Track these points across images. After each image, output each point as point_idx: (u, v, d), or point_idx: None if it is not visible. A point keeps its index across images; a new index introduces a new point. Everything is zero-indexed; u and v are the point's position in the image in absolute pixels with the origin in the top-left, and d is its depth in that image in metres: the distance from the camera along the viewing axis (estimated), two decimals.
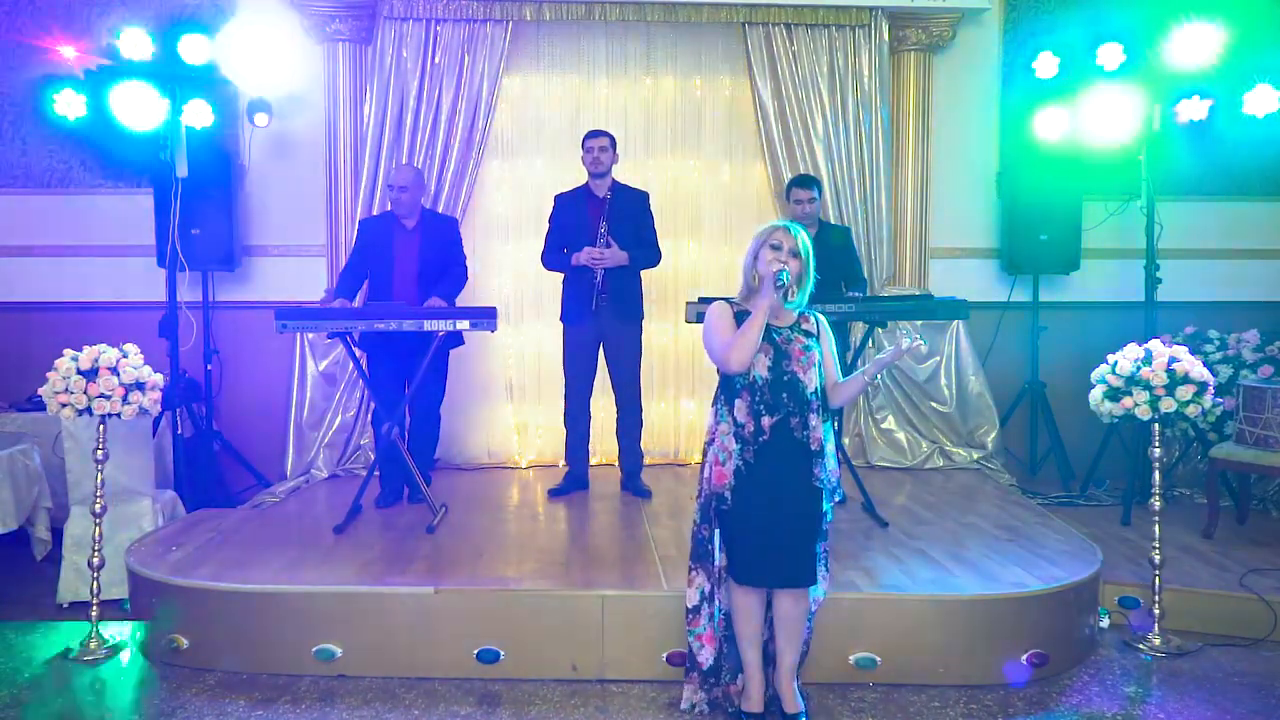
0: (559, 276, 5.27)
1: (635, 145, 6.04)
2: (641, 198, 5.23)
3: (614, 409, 5.30)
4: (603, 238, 5.01)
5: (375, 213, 5.67)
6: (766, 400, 3.12)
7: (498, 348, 6.05)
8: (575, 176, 5.38)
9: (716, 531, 3.21)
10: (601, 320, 5.08)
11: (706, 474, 3.21)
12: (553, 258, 5.20)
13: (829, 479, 3.17)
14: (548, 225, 5.25)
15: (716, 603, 3.27)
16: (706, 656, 3.27)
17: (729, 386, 3.19)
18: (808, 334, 3.21)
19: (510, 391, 6.14)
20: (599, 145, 5.07)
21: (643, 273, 5.27)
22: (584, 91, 6.10)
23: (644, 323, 5.28)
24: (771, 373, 3.12)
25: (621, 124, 5.95)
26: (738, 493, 3.13)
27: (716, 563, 3.23)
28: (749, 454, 3.12)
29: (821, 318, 3.30)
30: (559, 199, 5.27)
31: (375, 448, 5.21)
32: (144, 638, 3.92)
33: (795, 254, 3.15)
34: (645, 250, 5.15)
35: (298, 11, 5.87)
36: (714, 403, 3.26)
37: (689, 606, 3.28)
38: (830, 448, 3.20)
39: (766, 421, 3.11)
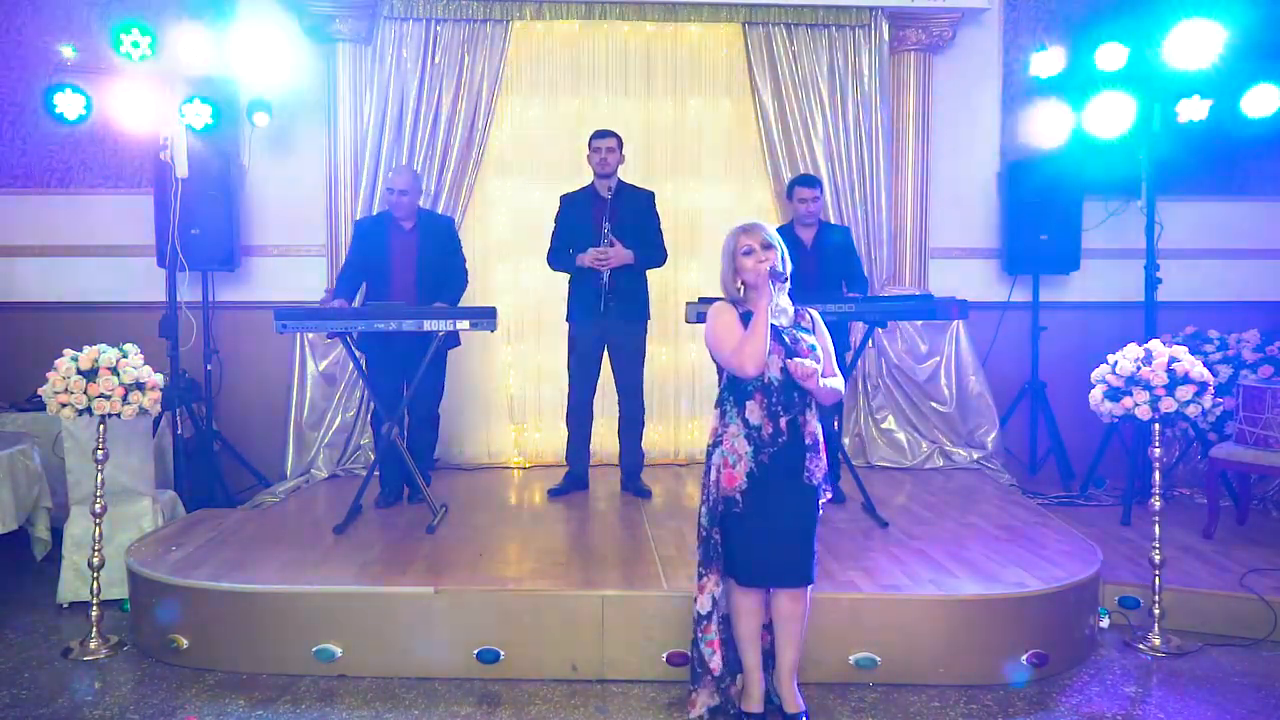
0: (560, 290, 5.27)
1: (635, 140, 6.04)
2: (646, 197, 5.23)
3: (615, 409, 5.30)
4: (606, 237, 5.00)
5: (375, 213, 5.67)
6: (782, 400, 3.12)
7: (497, 341, 6.05)
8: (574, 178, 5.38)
9: (723, 535, 3.19)
10: (608, 320, 5.08)
11: (714, 477, 3.18)
12: (558, 258, 5.19)
13: (815, 473, 3.15)
14: (554, 226, 5.25)
15: (720, 607, 3.26)
16: (718, 663, 3.26)
17: (738, 388, 3.17)
18: (807, 331, 3.21)
19: (511, 413, 6.15)
20: (606, 145, 5.07)
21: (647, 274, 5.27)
22: (584, 90, 6.10)
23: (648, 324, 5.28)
24: (785, 373, 3.11)
25: (622, 123, 5.95)
26: (750, 495, 3.12)
27: (723, 566, 3.22)
28: (764, 455, 3.11)
29: (815, 313, 3.30)
30: (564, 199, 5.27)
31: (375, 448, 5.21)
32: (144, 638, 3.91)
33: (768, 245, 3.15)
34: (650, 250, 5.15)
35: (297, 11, 5.87)
36: (719, 404, 3.24)
37: (701, 613, 3.25)
38: (823, 441, 3.20)
39: (784, 421, 3.11)
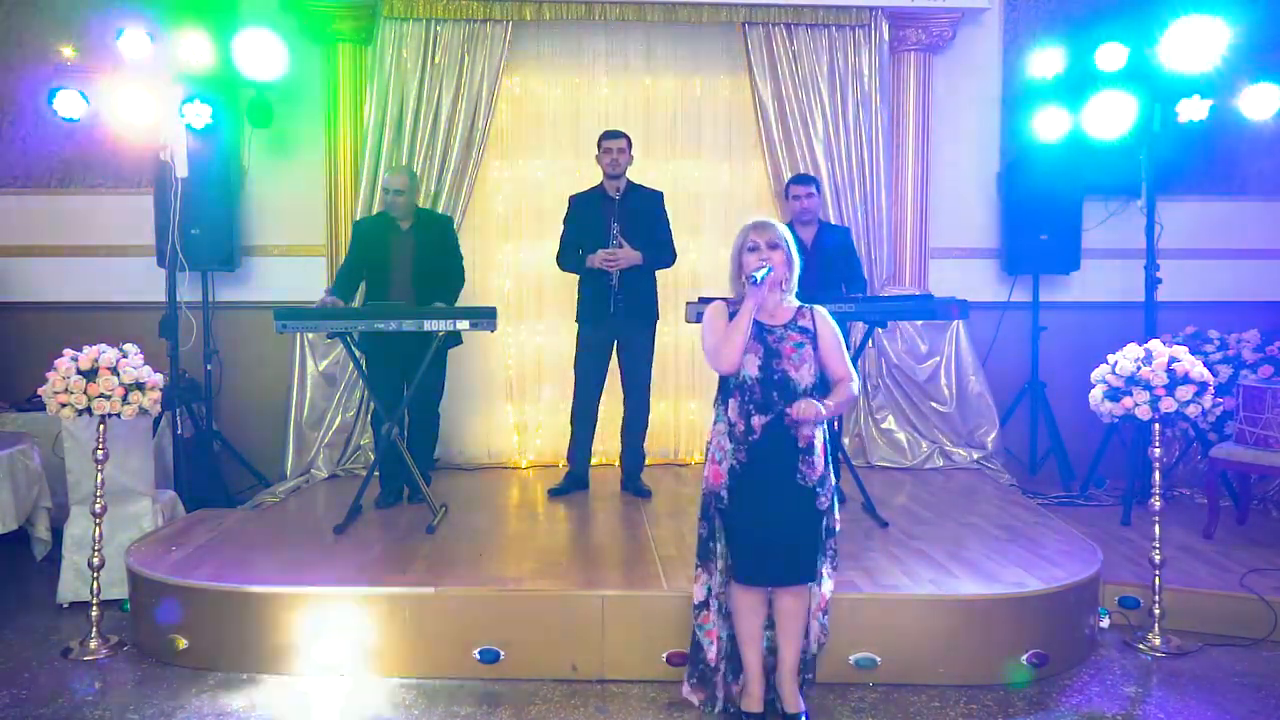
0: (559, 278, 5.27)
1: (637, 144, 6.03)
2: (655, 197, 5.24)
3: (617, 408, 5.30)
4: (615, 239, 5.00)
5: (374, 213, 5.67)
6: (757, 400, 3.12)
7: (497, 348, 6.06)
8: (576, 178, 5.38)
9: (717, 530, 3.21)
10: (618, 321, 5.08)
11: (705, 473, 3.23)
12: (568, 259, 5.19)
13: (809, 476, 3.14)
14: (563, 227, 5.25)
15: (720, 600, 3.27)
16: (714, 654, 3.27)
17: (724, 386, 3.21)
18: (803, 330, 3.19)
19: (510, 392, 6.14)
20: (617, 146, 5.07)
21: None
22: (584, 92, 6.11)
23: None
24: (762, 372, 3.12)
25: (621, 124, 5.95)
26: (733, 492, 3.14)
27: (719, 562, 3.23)
28: (741, 454, 3.13)
29: (821, 311, 3.26)
30: (574, 200, 5.27)
31: (375, 448, 5.21)
32: (144, 638, 3.91)
33: (774, 245, 3.15)
34: (658, 250, 5.15)
35: (297, 12, 5.86)
36: (715, 403, 3.27)
37: (695, 602, 3.27)
38: (820, 445, 3.18)
39: (758, 421, 3.11)
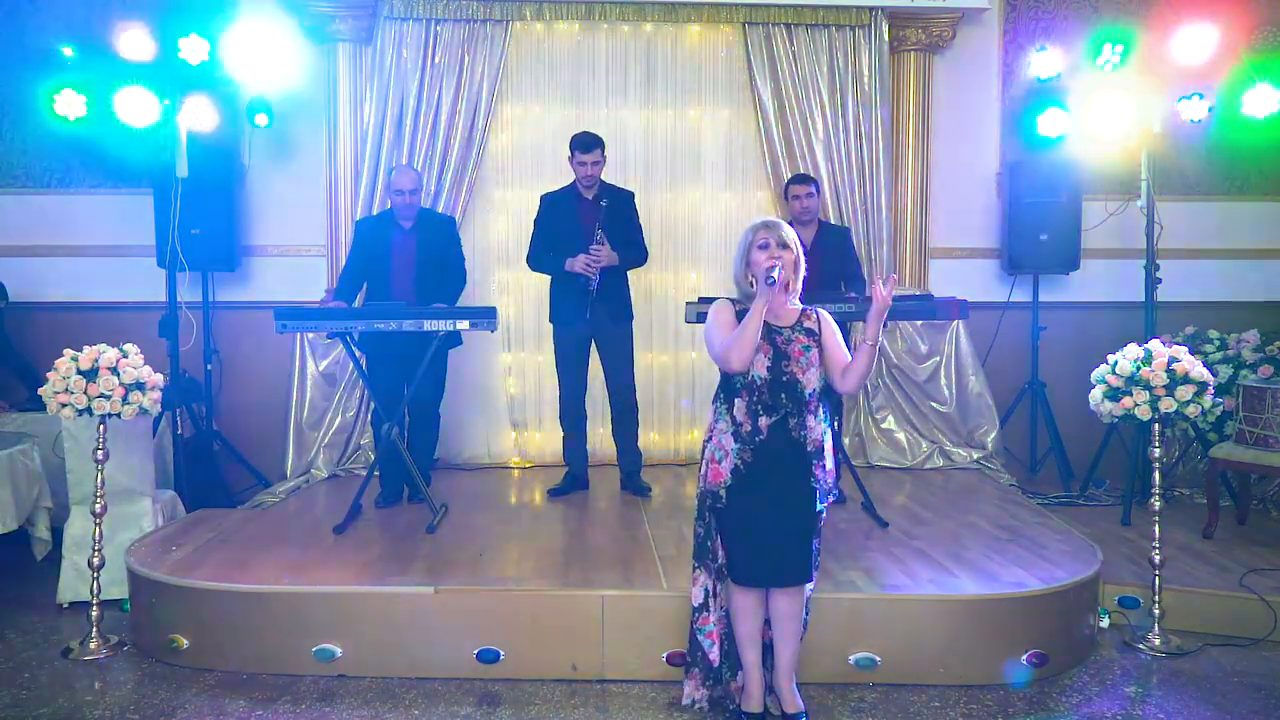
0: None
1: (636, 144, 6.06)
2: (627, 198, 5.23)
3: (611, 409, 5.30)
4: (598, 239, 4.96)
5: (375, 213, 5.67)
6: (765, 400, 3.12)
7: (497, 348, 6.06)
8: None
9: (714, 529, 3.21)
10: (594, 322, 5.07)
11: (703, 471, 3.22)
12: (540, 259, 5.17)
13: (824, 480, 3.16)
14: (534, 228, 5.23)
15: (719, 600, 3.27)
16: (717, 654, 3.28)
17: (729, 385, 3.19)
18: (809, 332, 3.19)
19: (510, 392, 6.14)
20: (592, 159, 5.01)
21: (642, 276, 5.26)
22: (585, 92, 6.10)
23: (643, 324, 5.26)
24: (771, 373, 3.12)
25: (621, 123, 5.96)
26: (733, 491, 3.13)
27: (717, 561, 3.23)
28: (746, 454, 3.12)
29: (824, 313, 3.28)
30: (546, 199, 5.24)
31: (375, 448, 5.21)
32: (144, 638, 3.91)
33: (784, 245, 3.15)
34: (633, 250, 5.15)
35: (297, 11, 5.87)
36: (714, 400, 3.26)
37: (695, 604, 3.28)
38: (829, 448, 3.19)
39: (764, 422, 3.11)
